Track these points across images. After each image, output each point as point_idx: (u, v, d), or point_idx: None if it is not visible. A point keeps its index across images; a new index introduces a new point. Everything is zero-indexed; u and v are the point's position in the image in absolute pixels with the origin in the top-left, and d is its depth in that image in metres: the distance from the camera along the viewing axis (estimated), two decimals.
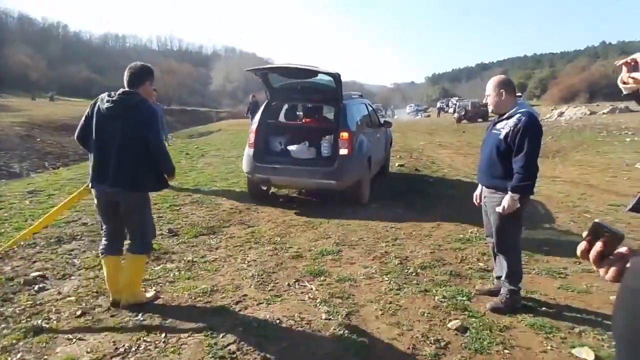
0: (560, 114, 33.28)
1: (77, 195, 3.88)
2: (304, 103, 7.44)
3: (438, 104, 59.29)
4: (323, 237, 5.07)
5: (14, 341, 2.84)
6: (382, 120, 8.59)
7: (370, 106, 8.21)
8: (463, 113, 34.04)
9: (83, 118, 3.28)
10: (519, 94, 4.47)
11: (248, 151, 6.46)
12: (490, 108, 3.30)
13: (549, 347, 2.81)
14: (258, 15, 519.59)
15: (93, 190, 3.31)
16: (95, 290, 3.59)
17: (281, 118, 7.44)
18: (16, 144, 16.60)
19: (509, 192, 3.06)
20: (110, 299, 3.33)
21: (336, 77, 6.05)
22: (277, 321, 3.05)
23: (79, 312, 3.20)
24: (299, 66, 6.24)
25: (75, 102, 46.83)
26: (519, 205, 3.09)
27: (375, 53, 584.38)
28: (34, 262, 4.18)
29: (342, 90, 6.28)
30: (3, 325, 3.07)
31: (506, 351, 2.76)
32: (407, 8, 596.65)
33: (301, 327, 2.99)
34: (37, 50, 67.25)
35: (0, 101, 36.45)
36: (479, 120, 32.91)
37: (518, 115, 3.08)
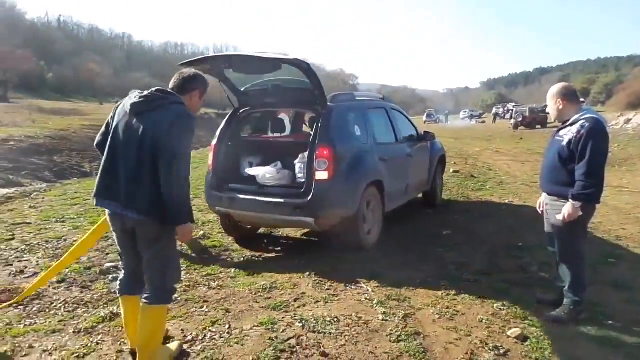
0: (627, 121, 31.31)
1: (98, 229, 3.33)
2: (277, 109, 5.55)
3: (494, 110, 57.43)
4: None
5: (94, 324, 3.10)
6: (421, 130, 6.47)
7: (400, 112, 6.22)
8: (520, 119, 32.90)
9: (105, 123, 2.63)
10: (582, 99, 4.16)
11: (207, 176, 5.00)
12: (552, 118, 3.26)
13: None
14: (307, 20, 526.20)
15: (107, 212, 2.58)
16: None
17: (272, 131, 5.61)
18: (87, 145, 17.76)
19: (570, 200, 2.98)
20: (129, 347, 2.75)
21: (302, 66, 4.24)
22: (335, 319, 3.13)
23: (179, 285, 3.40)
24: (245, 54, 4.63)
25: None
26: (580, 213, 3.00)
27: (428, 57, 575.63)
28: (108, 254, 4.52)
29: (321, 87, 4.44)
30: (84, 310, 3.36)
31: None
32: (461, 10, 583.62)
33: (359, 326, 3.05)
34: (105, 58, 71.61)
35: (73, 106, 39.17)
36: (538, 126, 31.70)
37: (582, 121, 3.01)
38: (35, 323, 3.17)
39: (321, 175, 4.28)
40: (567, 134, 3.06)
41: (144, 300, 2.52)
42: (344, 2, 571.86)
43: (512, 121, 34.07)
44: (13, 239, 5.03)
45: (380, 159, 4.92)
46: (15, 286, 3.74)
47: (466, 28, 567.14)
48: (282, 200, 4.43)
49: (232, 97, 5.12)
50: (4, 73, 40.62)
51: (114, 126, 2.50)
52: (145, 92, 2.46)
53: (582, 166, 2.94)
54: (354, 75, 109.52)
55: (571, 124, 3.08)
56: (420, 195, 6.71)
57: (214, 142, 4.97)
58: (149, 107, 2.41)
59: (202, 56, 4.74)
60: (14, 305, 3.41)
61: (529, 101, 56.82)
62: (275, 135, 5.53)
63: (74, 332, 3.01)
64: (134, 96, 2.46)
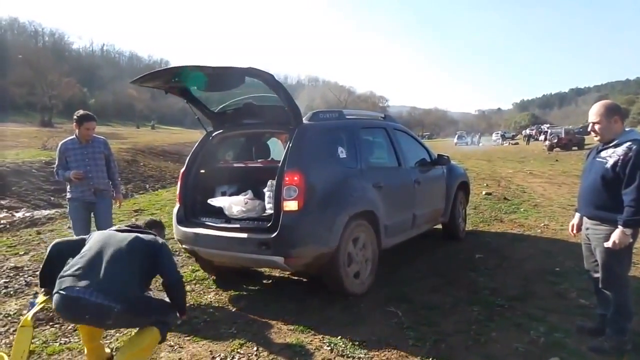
0: None
1: None
2: (248, 130, 4.71)
3: (527, 131, 56.25)
4: None
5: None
6: (434, 154, 5.69)
7: (407, 133, 5.54)
8: (555, 141, 32.10)
9: None
10: None
11: (175, 208, 4.43)
12: (597, 137, 3.07)
13: None
14: (338, 44, 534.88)
15: None
16: (192, 303, 3.87)
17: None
18: (123, 167, 18.36)
19: (620, 227, 2.83)
20: None
21: (264, 77, 3.69)
22: (364, 344, 3.07)
23: (178, 322, 3.44)
24: (196, 65, 3.72)
25: (173, 130, 51.02)
26: (631, 240, 2.85)
27: (459, 78, 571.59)
28: None
29: (291, 101, 3.87)
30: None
31: None
32: (492, 30, 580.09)
33: (388, 351, 2.98)
34: None
35: (111, 130, 40.76)
36: (574, 148, 30.82)
37: (628, 143, 2.85)
38: (70, 342, 3.25)
39: (290, 205, 3.59)
40: (612, 156, 2.90)
41: None
42: (376, 27, 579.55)
43: (547, 143, 33.28)
44: None
45: (374, 186, 4.26)
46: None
47: (498, 48, 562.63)
48: (245, 236, 3.74)
49: (203, 119, 4.65)
50: (49, 99, 42.85)
51: None
52: None
53: (631, 191, 2.77)
54: (384, 98, 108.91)
55: (615, 145, 2.93)
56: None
57: (182, 170, 4.43)
58: None
59: (154, 70, 4.13)
60: (51, 323, 3.51)
61: (564, 123, 55.55)
62: (258, 160, 4.74)
63: None
64: None
